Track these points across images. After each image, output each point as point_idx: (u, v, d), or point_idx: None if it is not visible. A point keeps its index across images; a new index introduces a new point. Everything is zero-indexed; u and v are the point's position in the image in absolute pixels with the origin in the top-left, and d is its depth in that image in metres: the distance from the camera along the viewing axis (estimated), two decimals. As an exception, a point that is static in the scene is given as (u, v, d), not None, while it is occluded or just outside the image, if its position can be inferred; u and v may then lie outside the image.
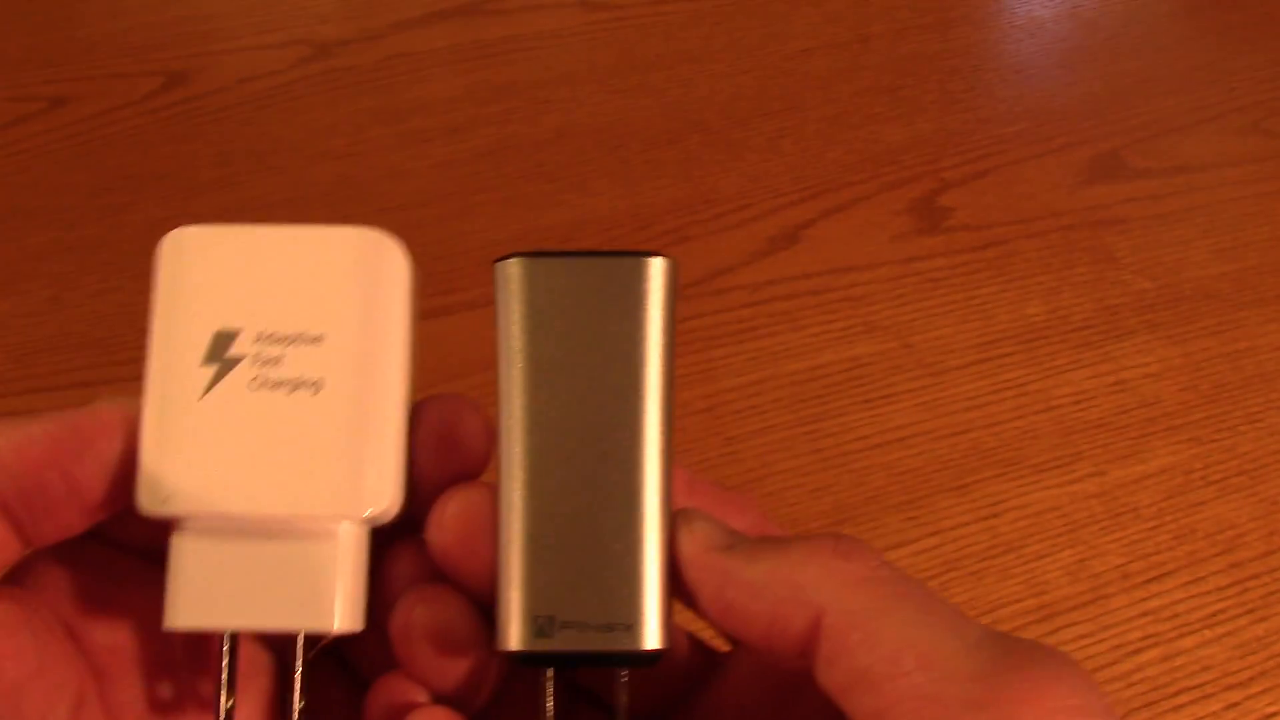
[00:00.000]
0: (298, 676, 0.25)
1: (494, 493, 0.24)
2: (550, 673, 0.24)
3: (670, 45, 0.72)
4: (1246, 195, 0.63)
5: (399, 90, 0.69)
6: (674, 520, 0.24)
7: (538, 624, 0.23)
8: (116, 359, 0.55)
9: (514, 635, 0.24)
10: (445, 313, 0.56)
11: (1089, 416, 0.53)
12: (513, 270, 0.25)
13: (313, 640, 0.26)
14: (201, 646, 0.26)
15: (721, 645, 0.28)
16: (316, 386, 0.24)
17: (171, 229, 0.26)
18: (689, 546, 0.24)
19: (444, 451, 0.25)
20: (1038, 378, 0.54)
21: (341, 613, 0.24)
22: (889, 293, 0.58)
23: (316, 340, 0.24)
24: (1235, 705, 0.44)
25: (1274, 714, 0.44)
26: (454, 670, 0.24)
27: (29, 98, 0.69)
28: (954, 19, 0.75)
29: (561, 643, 0.23)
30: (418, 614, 0.24)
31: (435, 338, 0.55)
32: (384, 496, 0.24)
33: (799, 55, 0.72)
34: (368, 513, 0.24)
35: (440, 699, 0.25)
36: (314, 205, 0.62)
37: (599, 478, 0.24)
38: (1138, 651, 0.45)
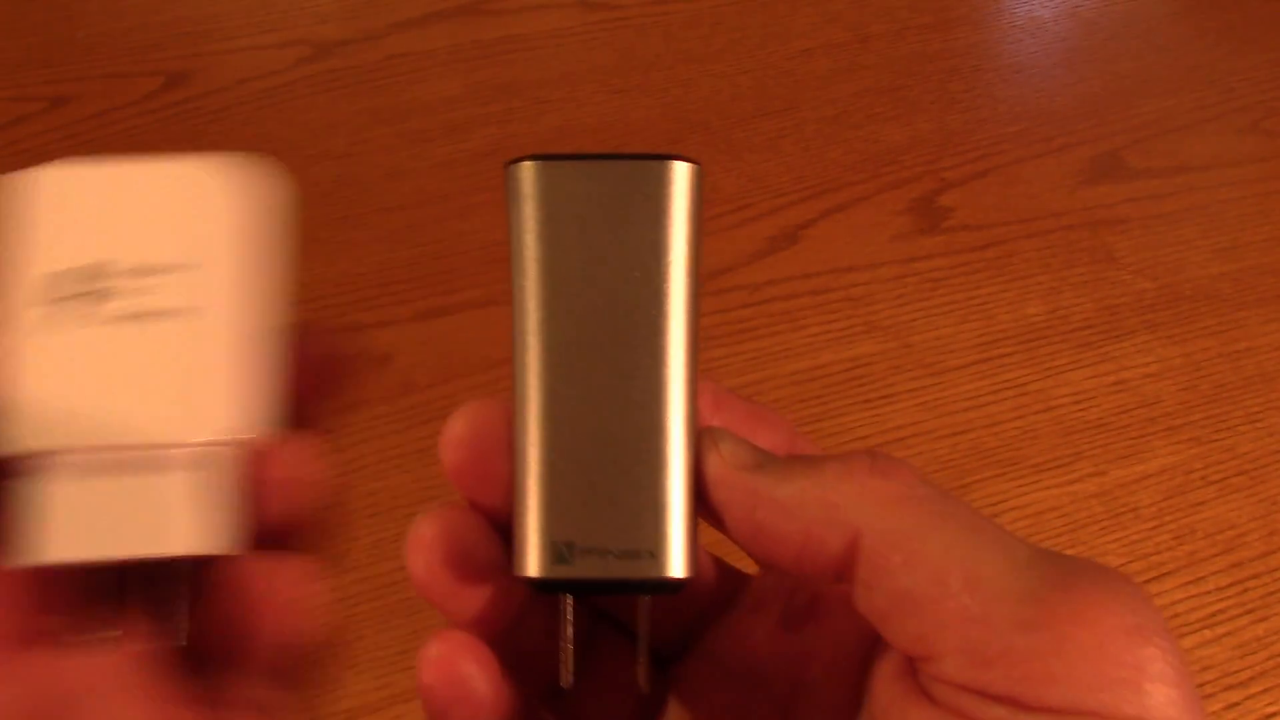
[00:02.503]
0: (182, 606, 0.24)
1: (509, 408, 0.23)
2: (569, 599, 0.23)
3: (670, 45, 0.72)
4: (1246, 195, 0.63)
5: (399, 90, 0.69)
6: (700, 438, 0.23)
7: (556, 550, 0.22)
8: (116, 359, 0.55)
9: (531, 561, 0.22)
10: (445, 312, 0.56)
11: (1089, 416, 0.53)
12: (525, 173, 0.23)
13: (189, 566, 0.24)
14: (55, 582, 0.25)
15: (749, 567, 0.27)
16: (175, 315, 0.23)
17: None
18: (716, 465, 0.22)
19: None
20: (1038, 378, 0.54)
21: (213, 535, 0.23)
22: (889, 293, 0.58)
23: (175, 269, 0.24)
24: (1235, 705, 0.44)
25: (1274, 714, 0.44)
26: (472, 595, 0.23)
27: (29, 98, 0.69)
28: (954, 19, 0.75)
29: (581, 570, 0.22)
30: (434, 536, 0.23)
31: (435, 337, 0.55)
32: (240, 419, 0.23)
33: (799, 55, 0.72)
34: (225, 435, 0.23)
35: (459, 624, 0.24)
36: (314, 205, 0.62)
37: (619, 394, 0.22)
38: (1138, 651, 0.45)
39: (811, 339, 0.56)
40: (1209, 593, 0.47)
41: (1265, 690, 0.44)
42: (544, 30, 0.73)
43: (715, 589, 0.26)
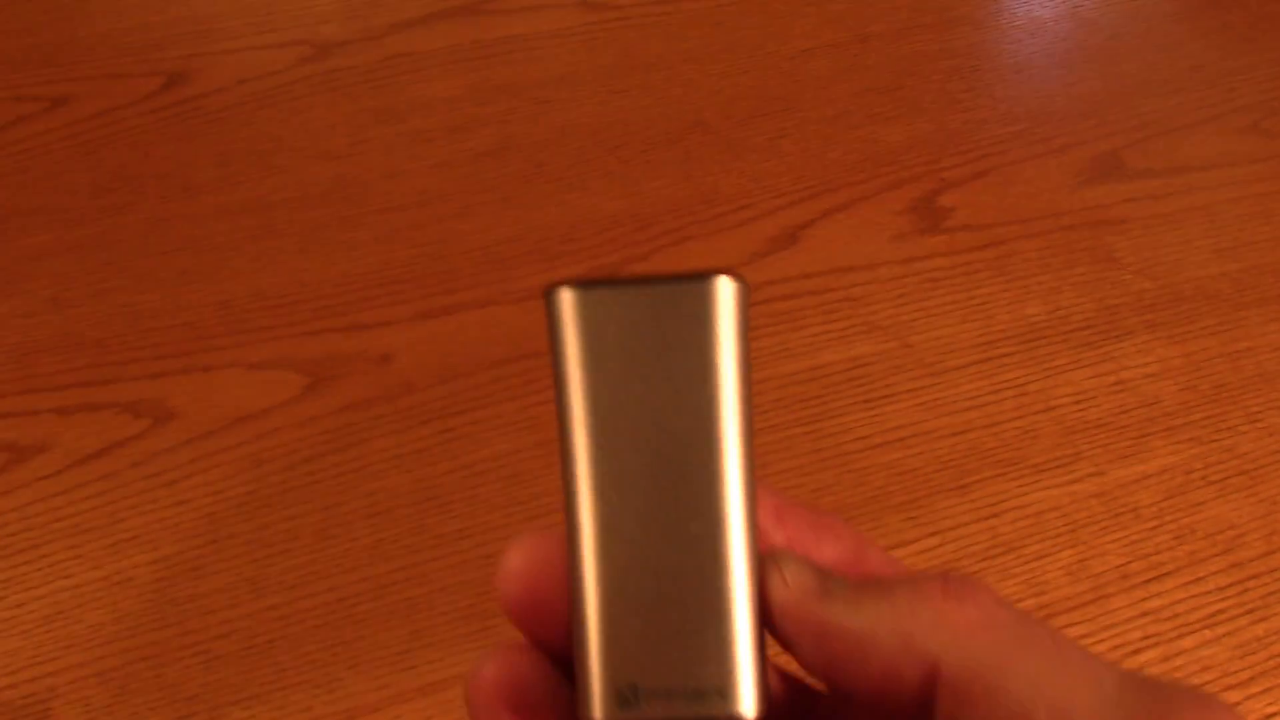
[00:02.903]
0: None
1: (564, 540, 0.22)
2: None
3: (670, 45, 0.72)
4: (1246, 195, 0.63)
5: (399, 90, 0.69)
6: (763, 564, 0.22)
7: (620, 693, 0.21)
8: (117, 359, 0.55)
9: (596, 706, 0.22)
10: (445, 312, 0.56)
11: (1089, 416, 0.53)
12: (566, 301, 0.22)
13: None
14: None
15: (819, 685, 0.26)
16: None
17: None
18: (782, 594, 0.22)
19: None
20: (1038, 378, 0.54)
21: None
22: (889, 293, 0.58)
23: None
24: (1235, 705, 0.44)
25: (1274, 714, 0.44)
26: None
27: (29, 98, 0.69)
28: (954, 19, 0.74)
29: (648, 712, 0.21)
30: (492, 674, 0.22)
31: (436, 337, 0.55)
32: None
33: (799, 55, 0.72)
34: None
35: None
36: (314, 205, 0.62)
37: (677, 525, 0.22)
38: (1138, 651, 0.45)
39: (811, 339, 0.56)
40: (1209, 593, 0.47)
41: (1265, 690, 0.44)
42: (544, 30, 0.73)
43: (787, 712, 0.25)
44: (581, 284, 0.22)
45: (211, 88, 0.69)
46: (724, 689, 0.21)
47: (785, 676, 0.26)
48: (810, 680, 0.25)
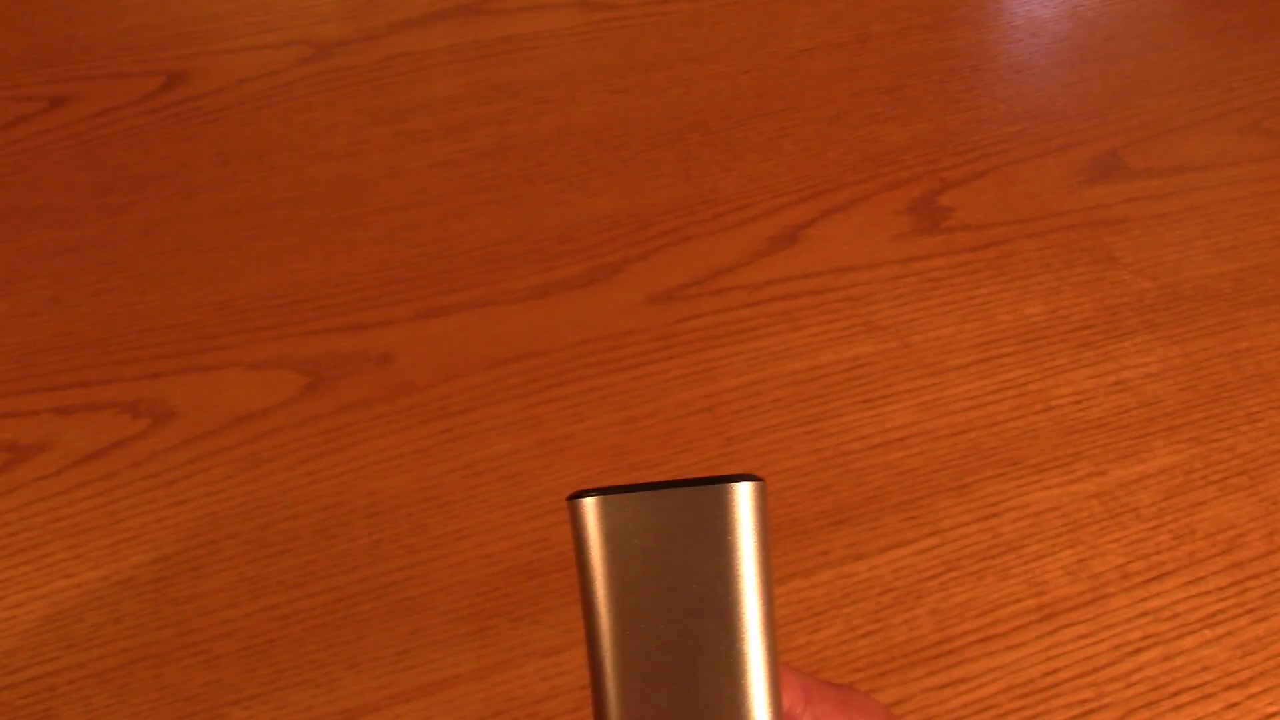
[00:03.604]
0: None
1: None
2: None
3: (670, 45, 0.72)
4: (1246, 195, 0.63)
5: (399, 90, 0.69)
6: None
7: None
8: (117, 359, 0.55)
9: None
10: (445, 312, 0.56)
11: (1089, 416, 0.53)
12: (590, 509, 0.23)
13: None
14: None
15: None
16: None
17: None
18: None
19: None
20: (1038, 378, 0.54)
21: None
22: (889, 293, 0.58)
23: None
24: (1235, 705, 0.44)
25: (1274, 714, 0.44)
26: None
27: (29, 98, 0.69)
28: (954, 19, 0.74)
29: None
30: None
31: (435, 337, 0.55)
32: None
33: (799, 55, 0.72)
34: None
35: None
36: (314, 205, 0.62)
37: None
38: (1138, 651, 0.45)
39: (811, 339, 0.56)
40: (1209, 593, 0.47)
41: (1265, 690, 0.44)
42: (544, 30, 0.73)
43: None
44: (604, 492, 0.23)
45: (211, 88, 0.69)
46: None
47: None
48: None
